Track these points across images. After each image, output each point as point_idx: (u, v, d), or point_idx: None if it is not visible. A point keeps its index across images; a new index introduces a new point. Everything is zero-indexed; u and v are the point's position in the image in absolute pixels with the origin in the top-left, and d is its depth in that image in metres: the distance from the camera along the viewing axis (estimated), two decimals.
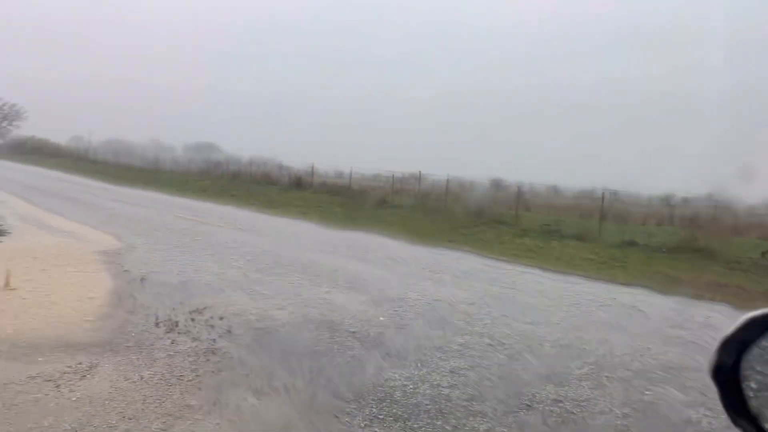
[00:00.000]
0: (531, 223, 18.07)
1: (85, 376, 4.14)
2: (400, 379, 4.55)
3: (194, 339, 5.12)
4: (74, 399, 3.76)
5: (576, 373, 5.03)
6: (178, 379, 4.21)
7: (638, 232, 16.61)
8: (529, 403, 4.26)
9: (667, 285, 10.23)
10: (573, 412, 4.16)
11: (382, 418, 3.84)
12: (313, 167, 29.71)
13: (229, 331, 5.41)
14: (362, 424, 3.74)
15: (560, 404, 4.29)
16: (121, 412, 3.62)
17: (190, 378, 4.25)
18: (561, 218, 18.62)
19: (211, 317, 5.84)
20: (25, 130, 72.93)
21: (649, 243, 14.68)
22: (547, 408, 4.21)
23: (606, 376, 4.96)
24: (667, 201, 27.98)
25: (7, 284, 6.43)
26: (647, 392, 4.67)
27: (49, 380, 4.00)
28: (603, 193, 19.30)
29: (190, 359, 4.62)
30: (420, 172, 27.37)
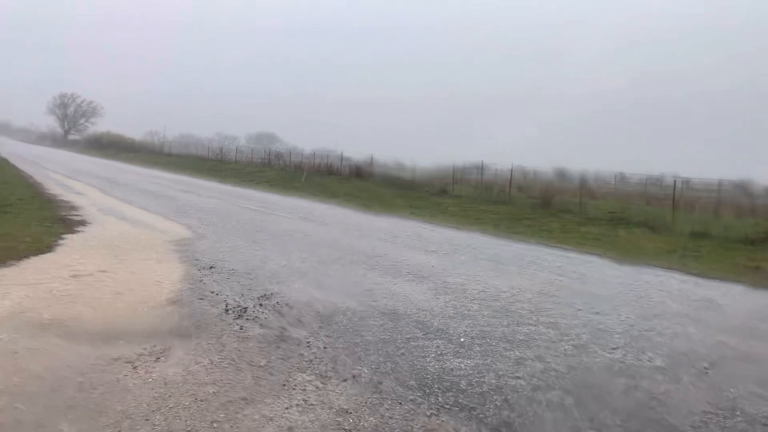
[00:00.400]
0: (596, 211, 17.57)
1: (159, 359, 4.31)
2: (465, 369, 4.51)
3: (262, 325, 5.24)
4: (150, 381, 3.92)
5: (648, 365, 4.85)
6: (248, 363, 4.32)
7: (712, 221, 15.86)
8: (598, 395, 4.14)
9: (745, 276, 9.73)
10: (648, 406, 4.01)
11: (448, 407, 3.82)
12: (372, 158, 29.87)
13: (297, 319, 5.51)
14: (428, 412, 3.73)
15: (632, 397, 4.15)
16: (193, 395, 3.75)
17: (260, 363, 4.35)
18: (627, 206, 18.00)
19: (278, 303, 5.97)
20: (102, 126, 77.12)
21: (726, 234, 13.97)
22: (617, 399, 4.08)
23: (682, 370, 4.76)
24: (743, 188, 26.49)
25: (86, 271, 6.79)
26: (731, 389, 4.46)
27: (128, 362, 4.19)
28: (675, 181, 18.52)
29: (259, 345, 4.74)
30: (482, 161, 27.06)
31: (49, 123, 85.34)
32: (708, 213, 18.35)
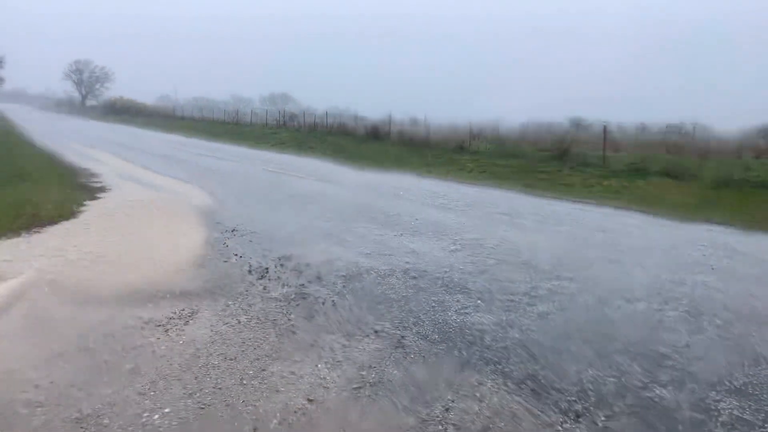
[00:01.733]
0: (616, 162, 17.32)
1: (188, 321, 4.42)
2: (487, 324, 4.56)
3: (285, 285, 5.33)
4: (181, 342, 4.03)
5: (671, 316, 4.86)
6: (273, 323, 4.42)
7: (734, 165, 15.57)
8: (621, 347, 4.18)
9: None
10: (669, 357, 4.05)
11: (473, 362, 3.88)
12: (390, 117, 29.52)
13: (318, 277, 5.59)
14: (452, 367, 3.79)
15: (654, 348, 4.19)
16: (222, 354, 3.86)
17: (284, 322, 4.45)
18: (647, 156, 17.67)
19: (299, 264, 6.05)
20: (115, 91, 77.11)
21: (747, 177, 13.73)
22: (639, 351, 4.12)
23: (705, 320, 4.77)
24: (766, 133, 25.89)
25: (110, 236, 6.91)
26: (751, 337, 4.47)
27: (160, 325, 4.31)
28: (694, 127, 18.10)
29: (283, 304, 4.83)
30: (498, 116, 26.68)
31: (67, 88, 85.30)
32: (731, 158, 17.96)
